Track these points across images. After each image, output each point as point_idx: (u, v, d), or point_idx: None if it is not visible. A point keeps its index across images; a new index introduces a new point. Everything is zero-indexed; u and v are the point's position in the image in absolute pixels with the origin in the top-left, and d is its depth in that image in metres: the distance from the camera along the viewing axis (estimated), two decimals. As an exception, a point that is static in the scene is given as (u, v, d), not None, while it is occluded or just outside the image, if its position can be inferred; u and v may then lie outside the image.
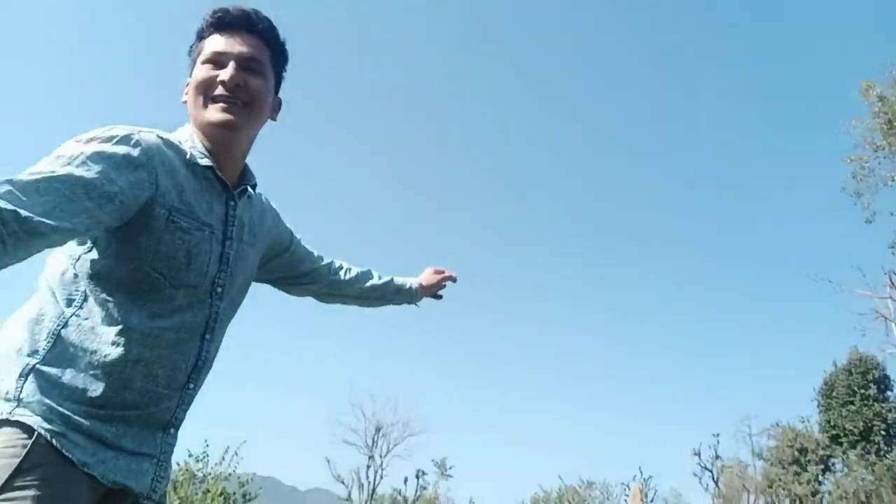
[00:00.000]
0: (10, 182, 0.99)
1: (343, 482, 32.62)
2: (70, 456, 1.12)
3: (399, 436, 34.26)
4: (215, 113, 1.34)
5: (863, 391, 25.75)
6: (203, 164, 1.33)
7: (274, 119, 1.50)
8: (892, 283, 19.70)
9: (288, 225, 1.71)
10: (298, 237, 1.76)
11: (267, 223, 1.57)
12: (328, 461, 32.14)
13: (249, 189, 1.46)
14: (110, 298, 1.22)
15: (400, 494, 39.27)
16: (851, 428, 25.24)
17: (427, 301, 2.19)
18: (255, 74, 1.38)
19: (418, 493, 37.17)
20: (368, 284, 1.96)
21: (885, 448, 23.02)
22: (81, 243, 1.24)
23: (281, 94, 1.51)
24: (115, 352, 1.20)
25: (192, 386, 1.33)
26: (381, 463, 33.74)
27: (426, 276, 2.17)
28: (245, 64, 1.36)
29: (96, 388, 1.18)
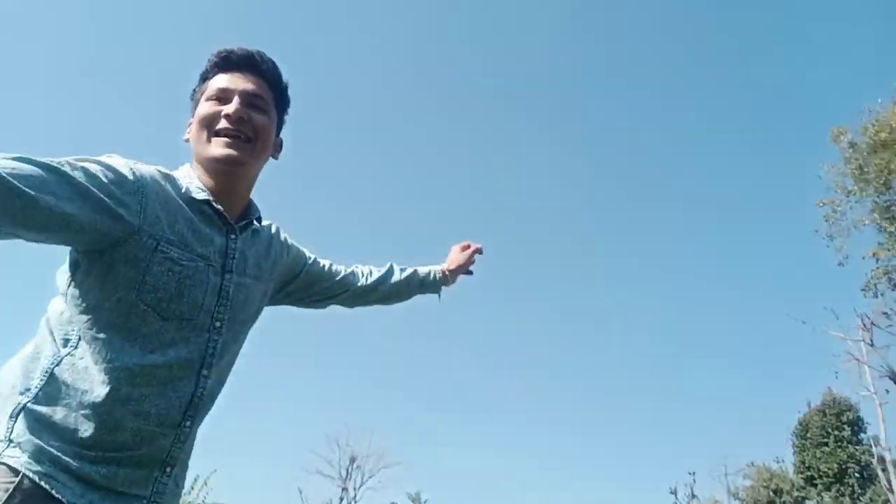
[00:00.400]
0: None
1: (311, 515, 31.98)
2: (59, 497, 1.10)
3: (374, 467, 33.77)
4: (219, 148, 1.35)
5: (837, 433, 25.90)
6: (199, 197, 1.32)
7: (276, 158, 1.51)
8: (864, 326, 19.98)
9: (300, 246, 1.71)
10: (313, 256, 1.76)
11: (274, 254, 1.55)
12: (300, 492, 31.55)
13: (255, 223, 1.46)
14: (101, 335, 1.19)
15: (374, 528, 38.58)
16: (826, 469, 25.31)
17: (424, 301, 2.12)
18: (259, 111, 1.40)
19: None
20: (391, 284, 1.95)
21: (860, 490, 23.08)
22: (65, 273, 1.24)
23: (283, 136, 1.54)
24: (103, 391, 1.16)
25: (188, 423, 1.27)
26: (355, 495, 33.16)
27: (453, 257, 2.16)
28: (249, 100, 1.39)
29: (87, 429, 1.15)
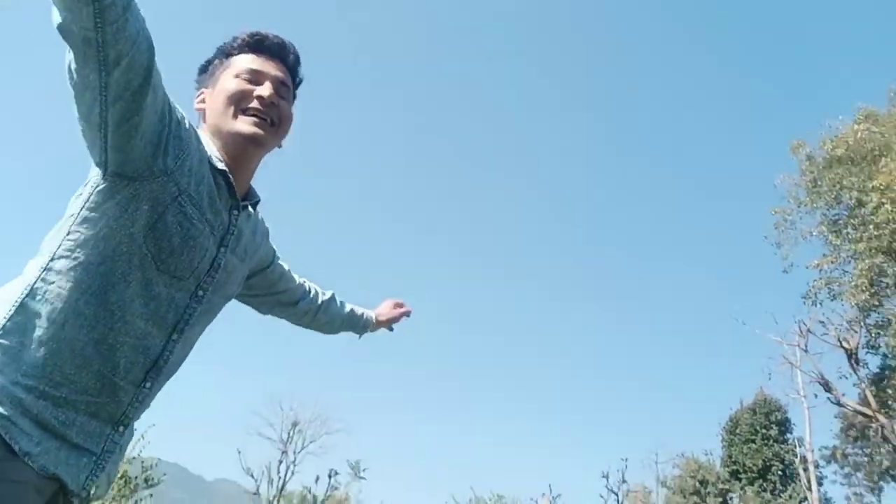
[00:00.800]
0: None
1: (252, 475, 31.86)
2: (14, 446, 1.06)
3: (315, 433, 33.83)
4: (246, 125, 1.37)
5: (764, 431, 27.13)
6: (219, 167, 1.34)
7: (280, 146, 1.52)
8: (801, 332, 20.87)
9: (272, 244, 1.72)
10: (278, 256, 1.77)
11: (257, 241, 1.57)
12: (239, 452, 31.36)
13: (250, 207, 1.47)
14: (95, 268, 1.17)
15: (310, 492, 38.69)
16: (751, 465, 26.53)
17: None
18: (285, 98, 1.44)
19: (329, 492, 36.72)
20: (332, 314, 2.02)
21: (781, 487, 24.30)
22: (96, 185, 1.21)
23: None
24: (79, 325, 1.15)
25: (148, 385, 1.26)
26: (294, 459, 33.18)
27: (385, 309, 2.24)
28: (279, 88, 1.42)
29: (55, 363, 1.12)
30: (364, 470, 47.98)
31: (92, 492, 1.22)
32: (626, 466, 29.48)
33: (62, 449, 1.13)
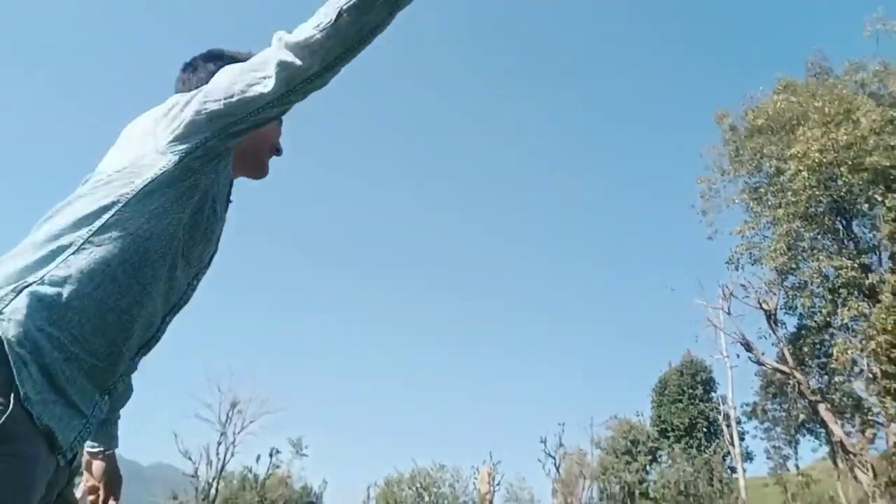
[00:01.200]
0: None
1: (190, 458, 31.17)
2: (19, 384, 1.06)
3: (255, 413, 33.23)
4: (267, 167, 1.57)
5: (691, 391, 28.50)
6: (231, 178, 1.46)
7: None
8: (724, 296, 21.83)
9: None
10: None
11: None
12: (175, 435, 30.56)
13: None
14: (138, 241, 1.23)
15: (251, 472, 38.25)
16: (678, 423, 27.86)
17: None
18: None
19: (270, 471, 36.38)
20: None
21: (706, 444, 25.65)
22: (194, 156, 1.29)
23: None
24: (111, 290, 1.19)
25: (138, 359, 1.32)
26: (234, 440, 32.59)
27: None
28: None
29: (78, 319, 1.16)
30: (306, 447, 47.73)
31: (77, 456, 1.24)
32: (563, 431, 30.44)
33: (58, 404, 1.13)
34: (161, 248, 1.26)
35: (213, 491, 31.01)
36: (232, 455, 32.62)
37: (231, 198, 1.51)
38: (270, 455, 36.15)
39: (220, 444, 32.09)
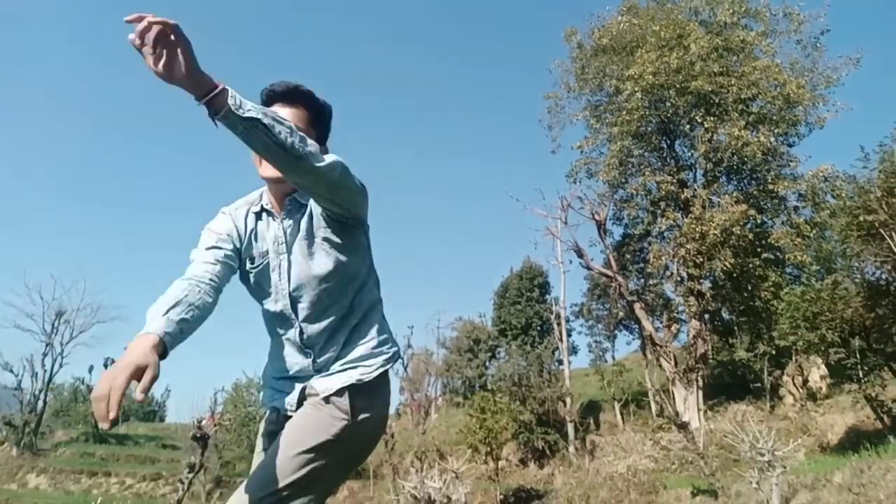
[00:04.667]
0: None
1: (11, 370, 28.79)
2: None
3: (86, 322, 31.02)
4: (266, 170, 1.76)
5: (529, 294, 30.77)
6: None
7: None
8: (563, 207, 23.37)
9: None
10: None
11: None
12: (-9, 348, 27.86)
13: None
14: (375, 289, 2.03)
15: (83, 383, 36.15)
16: (516, 323, 30.16)
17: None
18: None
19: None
20: None
21: (539, 340, 28.04)
22: None
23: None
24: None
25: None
26: (62, 351, 30.37)
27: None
28: None
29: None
30: (144, 355, 45.50)
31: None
32: (412, 333, 31.80)
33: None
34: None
35: (40, 403, 29.08)
36: (60, 366, 30.50)
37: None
38: (105, 366, 34.11)
39: (45, 355, 29.83)
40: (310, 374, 1.83)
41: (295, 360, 1.84)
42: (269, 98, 1.81)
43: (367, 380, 1.80)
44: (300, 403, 1.81)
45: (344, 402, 1.76)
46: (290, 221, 1.82)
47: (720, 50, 19.41)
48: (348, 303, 1.86)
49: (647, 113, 20.04)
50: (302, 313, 1.82)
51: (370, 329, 1.87)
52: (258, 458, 1.85)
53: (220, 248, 1.78)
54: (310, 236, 1.81)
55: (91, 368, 34.85)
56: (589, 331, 31.20)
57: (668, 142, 21.41)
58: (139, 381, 1.26)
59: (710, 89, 18.57)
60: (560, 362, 25.28)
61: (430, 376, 32.75)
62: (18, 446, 27.33)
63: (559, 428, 21.81)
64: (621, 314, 26.13)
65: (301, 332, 1.82)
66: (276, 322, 1.86)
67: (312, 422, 1.73)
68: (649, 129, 20.93)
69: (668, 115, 20.36)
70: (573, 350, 29.83)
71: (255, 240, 1.84)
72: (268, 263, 1.82)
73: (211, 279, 1.66)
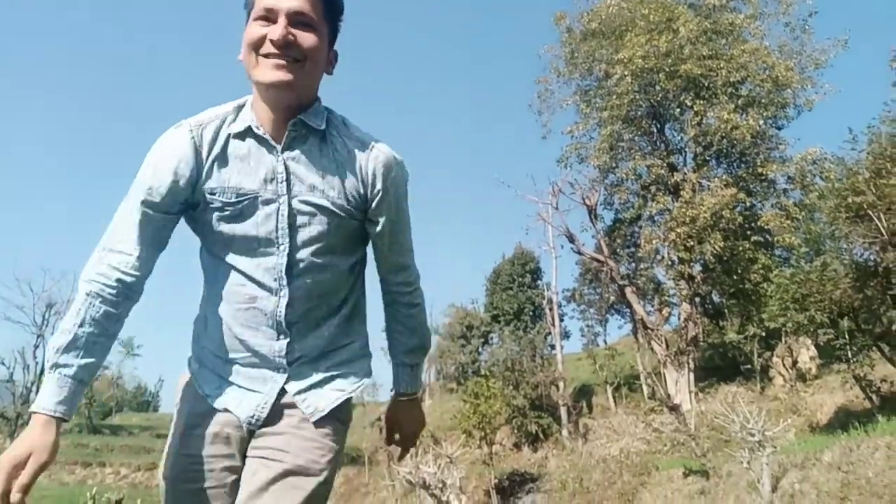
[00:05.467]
0: None
1: (3, 363, 28.70)
2: None
3: (76, 313, 30.85)
4: (267, 71, 1.32)
5: (521, 279, 30.84)
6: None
7: (329, 73, 1.44)
8: (553, 192, 23.37)
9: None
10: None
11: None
12: (-20, 341, 27.76)
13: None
14: None
15: (75, 375, 35.96)
16: (508, 309, 30.24)
17: None
18: (307, 29, 1.33)
19: (98, 374, 34.42)
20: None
21: (531, 326, 28.15)
22: None
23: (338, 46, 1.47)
24: None
25: None
26: (53, 343, 30.23)
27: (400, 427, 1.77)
28: (296, 19, 1.32)
29: None
30: (138, 347, 45.53)
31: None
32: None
33: None
34: None
35: (32, 395, 29.01)
36: (53, 358, 30.40)
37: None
38: (98, 356, 34.04)
39: (37, 346, 29.73)
40: (277, 364, 1.41)
41: (259, 340, 1.40)
42: None
43: (356, 393, 1.50)
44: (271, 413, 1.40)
45: (334, 422, 1.43)
46: (296, 153, 1.39)
47: (709, 33, 19.39)
48: (347, 286, 1.50)
49: (637, 97, 20.01)
50: (291, 279, 1.40)
51: (360, 326, 1.55)
52: (218, 493, 1.37)
53: (157, 213, 1.35)
54: (323, 177, 1.40)
55: (83, 360, 34.70)
56: (581, 315, 31.39)
57: (658, 126, 21.41)
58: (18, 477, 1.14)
59: (699, 73, 18.57)
60: (552, 347, 25.43)
61: (424, 363, 32.92)
62: (11, 438, 27.28)
63: (552, 412, 21.99)
64: (613, 298, 26.27)
65: (286, 301, 1.39)
66: (246, 267, 1.39)
67: (307, 458, 1.37)
68: (639, 113, 20.91)
69: (658, 99, 20.34)
70: (565, 335, 29.99)
71: (223, 170, 1.36)
72: (250, 206, 1.36)
73: (126, 277, 1.32)
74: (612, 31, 21.04)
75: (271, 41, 1.30)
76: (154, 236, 1.38)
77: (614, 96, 19.80)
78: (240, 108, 1.42)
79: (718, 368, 21.29)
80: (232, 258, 1.40)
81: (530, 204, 25.13)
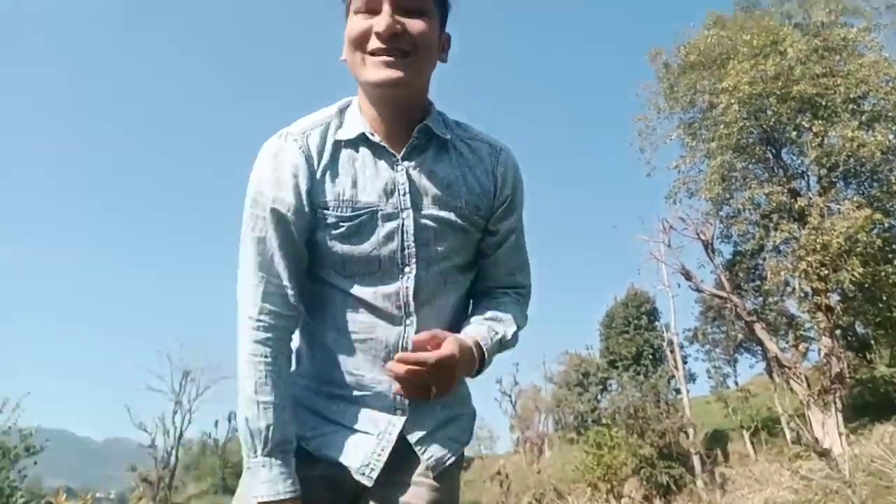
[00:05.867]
0: None
1: (146, 430, 30.87)
2: None
3: (210, 379, 33.00)
4: (374, 71, 1.17)
5: (636, 321, 29.75)
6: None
7: (444, 60, 1.29)
8: (664, 229, 22.65)
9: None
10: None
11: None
12: (128, 409, 30.11)
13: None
14: None
15: (210, 438, 38.14)
16: (626, 353, 29.15)
17: None
18: (415, 16, 1.18)
19: (230, 434, 36.35)
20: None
21: (652, 370, 26.96)
22: None
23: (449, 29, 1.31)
24: None
25: None
26: (190, 407, 32.37)
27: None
28: (401, 5, 1.17)
29: None
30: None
31: None
32: (518, 370, 31.54)
33: None
34: None
35: (172, 459, 30.91)
36: (189, 423, 32.50)
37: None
38: (229, 419, 36.11)
39: (175, 413, 31.87)
40: (395, 404, 1.24)
41: (376, 375, 1.23)
42: None
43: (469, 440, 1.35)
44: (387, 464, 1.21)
45: (454, 473, 1.30)
46: (418, 161, 1.24)
47: (820, 51, 18.47)
48: (465, 312, 1.37)
49: (747, 124, 19.23)
50: (419, 307, 1.23)
51: None
52: None
53: (290, 232, 1.18)
54: (449, 188, 1.25)
55: (216, 423, 36.74)
56: (706, 356, 29.76)
57: (774, 151, 20.40)
58: None
59: (814, 92, 17.64)
60: (677, 391, 24.18)
61: (540, 413, 32.19)
62: (154, 501, 29.04)
63: (684, 461, 20.72)
64: (740, 336, 24.75)
65: (413, 331, 1.23)
66: (364, 292, 1.21)
67: None
68: (751, 140, 20.04)
69: (771, 124, 19.44)
70: (691, 377, 28.48)
71: (336, 181, 1.20)
72: (369, 222, 1.20)
73: (284, 332, 1.19)
74: (713, 60, 20.51)
75: (377, 34, 1.16)
76: (298, 264, 1.21)
77: (722, 126, 19.12)
78: (343, 110, 1.28)
79: (869, 406, 19.36)
80: (345, 283, 1.22)
81: (640, 243, 24.37)
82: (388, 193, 1.20)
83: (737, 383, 28.66)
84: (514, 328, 1.36)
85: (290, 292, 1.18)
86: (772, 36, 18.65)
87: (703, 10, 22.15)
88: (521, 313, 1.41)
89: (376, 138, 1.22)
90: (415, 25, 1.17)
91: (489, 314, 1.34)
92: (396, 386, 1.16)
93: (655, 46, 23.25)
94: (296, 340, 1.28)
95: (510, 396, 31.86)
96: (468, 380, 1.36)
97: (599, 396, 29.82)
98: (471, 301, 1.41)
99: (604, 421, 23.74)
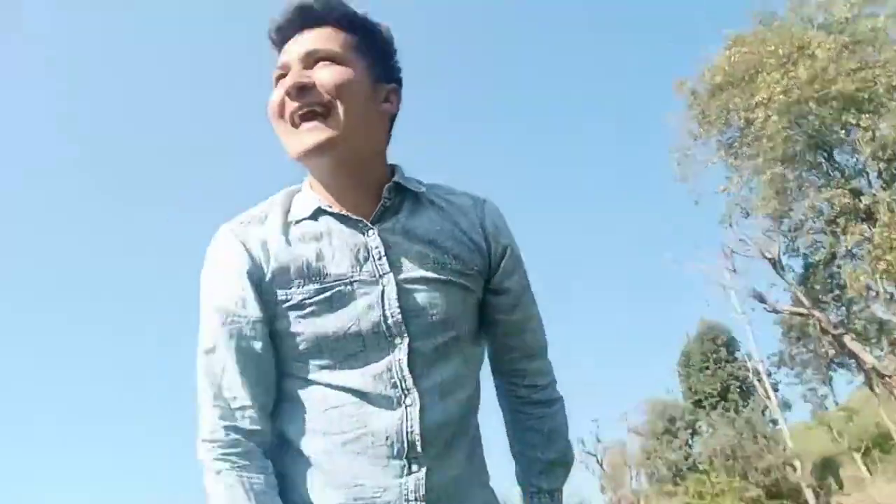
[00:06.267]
0: None
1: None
2: None
3: None
4: (296, 140, 1.04)
5: (715, 355, 28.47)
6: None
7: (391, 111, 1.14)
8: (726, 255, 21.92)
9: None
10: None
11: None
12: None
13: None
14: None
15: None
16: (710, 391, 27.75)
17: None
18: (330, 63, 1.05)
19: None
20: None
21: (742, 404, 25.52)
22: None
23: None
24: None
25: None
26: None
27: None
28: (310, 59, 1.05)
29: None
30: None
31: None
32: (598, 427, 30.29)
33: None
34: None
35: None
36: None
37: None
38: None
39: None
40: None
41: (379, 480, 1.01)
42: (276, 39, 1.11)
43: None
44: None
45: None
46: (392, 223, 1.09)
47: (850, 46, 18.16)
48: (477, 399, 1.17)
49: (790, 133, 18.83)
50: (417, 381, 1.05)
51: (481, 451, 1.19)
52: None
53: (251, 335, 1.04)
54: (432, 243, 1.09)
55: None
56: (798, 379, 27.95)
57: (826, 154, 19.83)
58: None
59: (853, 87, 17.25)
60: (774, 422, 22.80)
61: (630, 468, 30.60)
62: None
63: (796, 497, 19.26)
64: (831, 352, 23.30)
65: (417, 411, 1.03)
66: (347, 378, 1.04)
67: None
68: (798, 148, 19.55)
69: (816, 128, 18.99)
70: (786, 405, 26.73)
71: (294, 259, 1.05)
72: (341, 294, 1.03)
73: (250, 449, 1.01)
74: (740, 78, 20.37)
75: (287, 94, 1.04)
76: (259, 371, 1.05)
77: (764, 140, 18.76)
78: (293, 194, 1.14)
79: None
80: (323, 374, 1.04)
81: (703, 274, 23.58)
82: (362, 261, 1.05)
83: (836, 403, 26.66)
84: (567, 466, 1.26)
85: (248, 406, 1.02)
86: (797, 41, 18.48)
87: (714, 37, 22.13)
88: (566, 432, 1.28)
89: (334, 209, 1.07)
90: (325, 73, 1.04)
91: (542, 465, 1.23)
92: (411, 485, 1.00)
93: (678, 77, 23.28)
94: (277, 465, 1.05)
95: (595, 456, 30.49)
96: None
97: (690, 441, 28.24)
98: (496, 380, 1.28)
99: (701, 467, 22.43)
